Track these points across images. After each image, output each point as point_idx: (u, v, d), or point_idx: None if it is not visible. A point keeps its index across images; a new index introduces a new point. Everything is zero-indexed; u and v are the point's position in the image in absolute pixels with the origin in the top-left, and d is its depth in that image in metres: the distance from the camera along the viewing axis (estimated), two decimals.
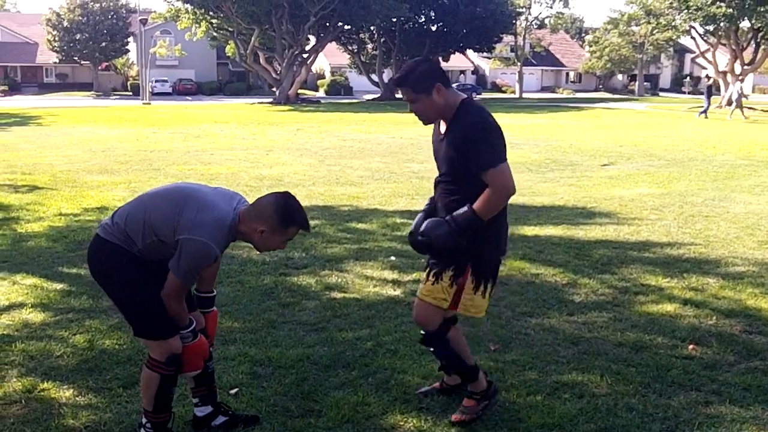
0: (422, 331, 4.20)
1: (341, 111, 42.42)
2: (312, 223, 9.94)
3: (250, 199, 3.89)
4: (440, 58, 63.18)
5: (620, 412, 4.33)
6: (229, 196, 3.81)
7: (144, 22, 60.22)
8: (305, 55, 57.24)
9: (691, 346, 5.37)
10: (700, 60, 72.17)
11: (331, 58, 79.10)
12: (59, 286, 6.88)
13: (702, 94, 53.09)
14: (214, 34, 57.40)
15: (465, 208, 3.86)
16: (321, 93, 75.20)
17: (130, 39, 73.19)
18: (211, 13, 52.73)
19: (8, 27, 78.08)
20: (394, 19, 56.92)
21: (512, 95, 75.07)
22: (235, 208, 3.71)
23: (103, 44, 70.58)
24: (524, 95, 72.92)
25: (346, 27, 58.13)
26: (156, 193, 3.88)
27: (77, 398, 4.50)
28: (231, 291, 6.61)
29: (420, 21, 63.65)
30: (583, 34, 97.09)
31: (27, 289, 6.77)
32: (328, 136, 24.36)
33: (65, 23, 69.32)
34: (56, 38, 69.78)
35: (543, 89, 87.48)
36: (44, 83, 75.88)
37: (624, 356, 5.20)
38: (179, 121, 31.78)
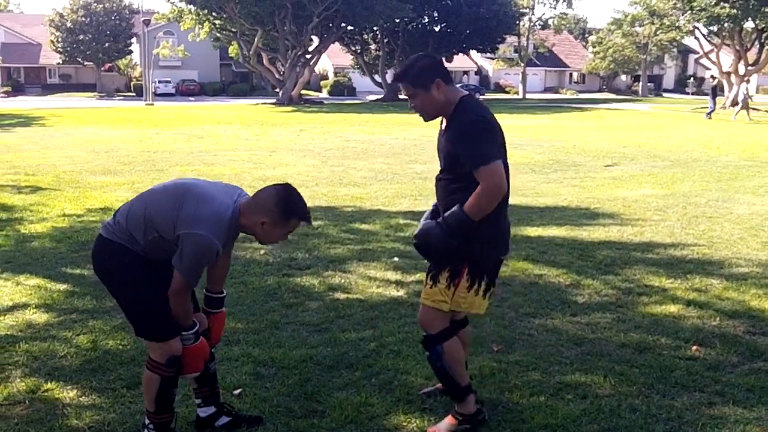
0: (423, 333, 4.18)
1: (344, 112, 42.43)
2: (315, 223, 10.02)
3: None
4: (443, 59, 63.14)
5: (623, 413, 4.33)
6: (229, 189, 3.81)
7: (147, 22, 60.30)
8: (308, 56, 57.25)
9: (694, 347, 5.36)
10: (703, 61, 72.14)
11: (334, 59, 79.12)
12: (63, 286, 6.89)
13: (707, 95, 53.14)
14: (217, 34, 57.38)
15: (456, 208, 3.83)
16: (324, 94, 75.22)
17: (133, 40, 73.25)
18: (214, 13, 52.75)
19: (11, 28, 78.19)
20: (398, 20, 56.96)
21: (515, 96, 75.04)
22: (236, 201, 3.70)
23: (106, 45, 70.66)
24: (527, 96, 72.87)
25: (350, 28, 58.10)
26: (156, 189, 3.88)
27: (81, 398, 4.51)
28: (234, 292, 6.61)
29: (423, 22, 63.60)
30: (587, 35, 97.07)
31: (31, 289, 6.78)
32: (331, 137, 24.36)
33: (68, 24, 69.41)
34: (59, 39, 69.88)
35: (546, 90, 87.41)
36: (47, 84, 75.98)
37: (627, 357, 5.20)
38: (182, 122, 31.80)
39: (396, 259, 7.88)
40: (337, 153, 19.41)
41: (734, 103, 47.32)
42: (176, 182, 3.93)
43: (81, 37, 69.31)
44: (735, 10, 45.20)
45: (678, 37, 69.74)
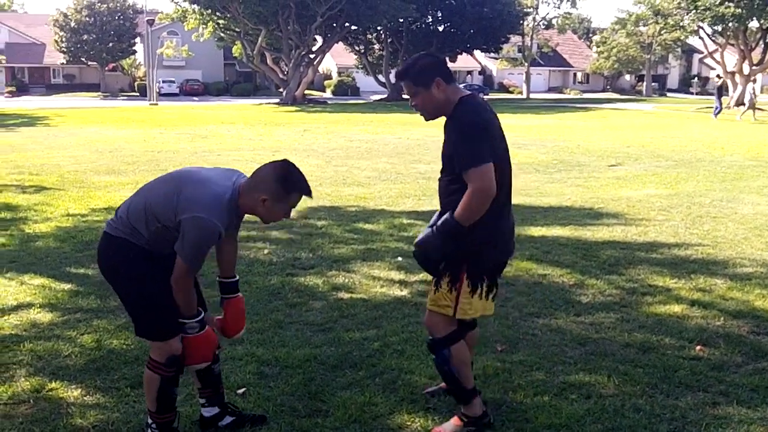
0: (430, 337, 4.16)
1: (348, 112, 42.44)
2: (319, 223, 10.04)
3: None
4: (447, 58, 63.17)
5: (627, 413, 4.33)
6: (227, 172, 3.80)
7: (151, 22, 60.31)
8: (312, 56, 57.29)
9: (698, 347, 5.36)
10: (708, 60, 72.02)
11: (338, 59, 79.15)
12: (67, 286, 6.90)
13: (711, 94, 53.02)
14: (221, 34, 57.47)
15: (447, 216, 3.81)
16: (328, 93, 75.27)
17: (137, 40, 73.39)
18: (218, 13, 52.80)
19: (16, 28, 78.34)
20: (401, 20, 56.95)
21: (519, 96, 75.02)
22: (234, 182, 3.69)
23: (110, 45, 70.76)
24: (531, 96, 72.85)
25: (353, 27, 58.10)
26: (154, 180, 3.89)
27: (85, 398, 4.52)
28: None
29: (427, 21, 63.64)
30: (591, 35, 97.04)
31: (35, 289, 6.79)
32: (335, 137, 24.37)
33: (72, 24, 69.52)
34: (63, 39, 69.99)
35: (550, 90, 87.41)
36: (51, 84, 76.11)
37: (631, 357, 5.19)
38: (186, 122, 31.83)
39: (399, 258, 7.88)
40: (341, 153, 19.41)
41: (738, 103, 47.33)
42: (174, 171, 3.94)
43: (85, 37, 69.42)
44: (740, 10, 45.17)
45: (682, 37, 69.68)
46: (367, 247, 8.53)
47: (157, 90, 60.04)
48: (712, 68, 77.95)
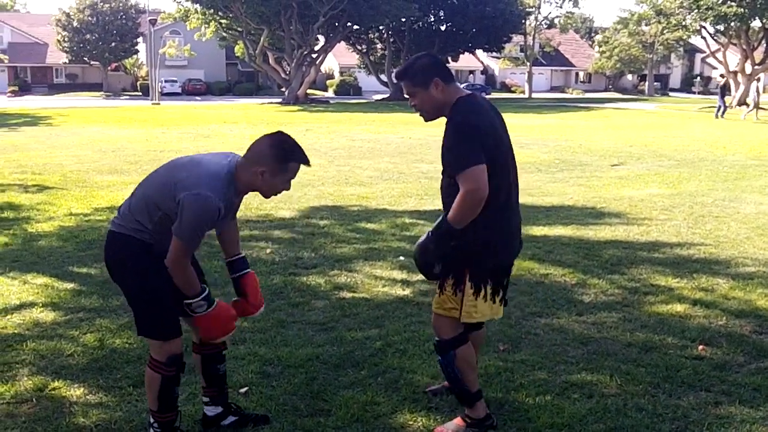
0: (436, 338, 4.14)
1: (350, 111, 42.44)
2: (321, 223, 10.05)
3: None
4: (449, 58, 63.12)
5: (630, 413, 4.33)
6: (222, 153, 3.80)
7: (153, 22, 60.38)
8: (314, 55, 57.27)
9: (700, 347, 5.36)
10: (710, 60, 72.02)
11: (340, 58, 79.16)
12: (70, 285, 6.91)
13: (713, 94, 52.93)
14: (224, 34, 57.49)
15: (441, 220, 3.82)
16: (330, 93, 75.26)
17: (140, 39, 73.36)
18: (220, 13, 52.80)
19: (18, 27, 78.37)
20: (404, 19, 56.92)
21: (521, 95, 74.99)
22: (230, 161, 3.69)
23: (113, 44, 70.77)
24: (533, 95, 72.82)
25: (355, 27, 58.14)
26: (152, 172, 3.90)
27: (88, 397, 4.52)
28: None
29: (429, 21, 63.64)
30: (593, 34, 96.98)
31: (38, 288, 6.80)
32: (337, 137, 24.37)
33: (75, 24, 69.54)
34: (66, 39, 70.00)
35: (552, 89, 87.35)
36: (54, 83, 76.13)
37: (633, 356, 5.19)
38: (188, 122, 31.85)
39: (402, 258, 7.89)
40: (343, 152, 19.42)
41: (741, 103, 47.29)
42: (169, 161, 3.94)
43: (87, 36, 69.44)
44: (742, 9, 45.15)
45: (684, 36, 69.66)
46: (369, 247, 8.53)
47: (160, 89, 60.04)
48: (715, 68, 78.00)
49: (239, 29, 54.64)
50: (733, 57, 54.66)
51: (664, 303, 6.43)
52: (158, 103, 53.09)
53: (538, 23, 75.11)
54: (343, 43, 64.27)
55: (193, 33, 58.53)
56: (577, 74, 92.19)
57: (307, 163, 3.74)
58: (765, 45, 52.02)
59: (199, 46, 65.61)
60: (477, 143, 3.70)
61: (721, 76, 50.39)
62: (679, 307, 6.29)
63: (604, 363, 5.06)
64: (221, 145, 21.03)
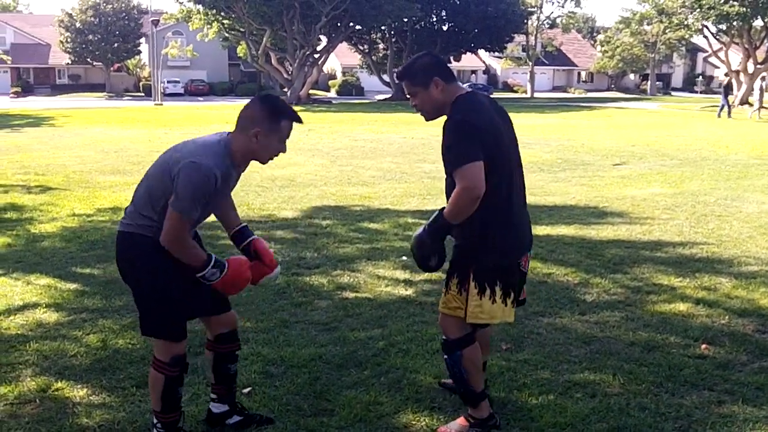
0: (443, 338, 4.12)
1: (353, 111, 42.44)
2: (324, 223, 10.06)
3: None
4: (451, 58, 63.08)
5: (633, 412, 4.33)
6: (215, 133, 3.81)
7: (156, 23, 60.37)
8: (316, 56, 57.30)
9: (703, 346, 5.36)
10: (712, 59, 71.91)
11: (342, 59, 79.15)
12: (73, 286, 6.92)
13: (715, 93, 52.84)
14: (226, 34, 57.49)
15: (437, 214, 3.83)
16: (332, 93, 75.26)
17: (142, 40, 73.41)
18: (222, 13, 52.84)
19: (21, 28, 78.43)
20: (406, 19, 56.93)
21: (524, 95, 74.96)
22: (222, 134, 3.71)
23: (115, 45, 70.84)
24: (536, 95, 72.79)
25: (358, 27, 58.12)
26: (149, 167, 3.88)
27: (91, 397, 4.53)
28: (243, 291, 6.59)
29: (431, 21, 63.58)
30: (595, 34, 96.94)
31: (41, 289, 6.81)
32: (340, 137, 24.39)
33: (77, 24, 69.60)
34: (68, 39, 70.07)
35: (554, 89, 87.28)
36: (57, 84, 76.19)
37: (636, 356, 5.19)
38: (191, 122, 31.86)
39: (404, 258, 7.88)
40: (346, 152, 19.43)
41: (743, 102, 47.23)
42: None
43: (90, 37, 69.50)
44: (744, 8, 45.11)
45: (687, 36, 69.62)
46: (371, 247, 8.53)
47: (162, 90, 60.10)
48: (717, 67, 77.93)
49: (242, 30, 54.65)
50: (735, 56, 54.62)
51: (667, 302, 6.43)
52: (161, 104, 53.10)
53: (540, 23, 75.04)
54: (345, 43, 64.28)
55: (196, 33, 58.49)
56: (579, 74, 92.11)
57: (299, 119, 3.76)
58: (767, 44, 51.94)
59: (201, 46, 65.62)
60: (475, 141, 3.69)
61: (726, 74, 50.37)
62: (681, 307, 6.29)
63: (607, 362, 5.06)
64: None
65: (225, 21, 54.48)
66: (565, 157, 18.20)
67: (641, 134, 25.65)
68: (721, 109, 36.58)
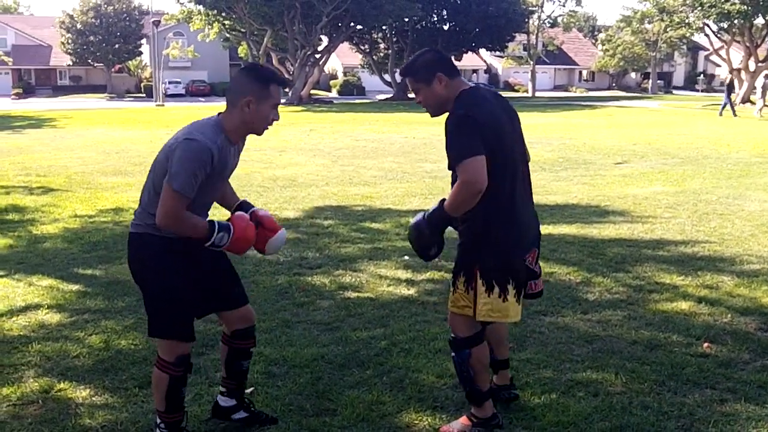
0: (452, 335, 4.10)
1: (354, 111, 42.44)
2: (325, 223, 10.07)
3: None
4: (452, 57, 63.01)
5: (635, 410, 4.33)
6: (207, 117, 3.82)
7: (157, 23, 60.40)
8: (318, 56, 57.28)
9: (705, 344, 5.36)
10: (713, 57, 71.86)
11: (343, 59, 79.13)
12: (75, 287, 6.93)
13: (717, 91, 52.76)
14: (227, 35, 57.52)
15: (437, 204, 3.84)
16: (334, 93, 75.23)
17: (143, 41, 73.41)
18: (223, 14, 52.86)
19: (22, 30, 78.45)
20: (407, 19, 56.93)
21: (525, 94, 74.88)
22: (213, 116, 3.74)
23: (116, 46, 70.86)
24: (537, 94, 72.72)
25: (359, 27, 58.08)
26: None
27: (93, 398, 4.53)
28: (246, 291, 6.62)
29: (432, 20, 63.56)
30: (596, 33, 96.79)
31: (43, 290, 6.82)
32: (341, 137, 24.38)
33: (78, 25, 69.62)
34: (69, 41, 70.10)
35: (556, 88, 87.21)
36: (58, 85, 76.22)
37: (638, 354, 5.19)
38: None
39: (406, 257, 7.88)
40: (347, 152, 19.42)
41: (744, 100, 47.17)
42: None
43: (91, 38, 69.52)
44: (745, 6, 45.04)
45: (688, 34, 69.50)
46: (373, 246, 8.54)
47: (164, 91, 60.09)
48: (718, 65, 77.85)
49: (242, 30, 54.68)
50: (737, 54, 54.56)
51: (669, 301, 6.42)
52: (162, 105, 53.13)
53: (541, 22, 74.93)
54: (346, 43, 64.28)
55: (197, 34, 58.51)
56: (580, 73, 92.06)
57: (285, 84, 3.80)
58: None
59: (202, 47, 65.64)
60: (476, 135, 3.68)
61: (730, 72, 50.29)
62: (683, 305, 6.29)
63: (609, 361, 5.06)
64: None
65: (226, 21, 54.51)
66: (567, 156, 18.20)
67: (643, 133, 25.62)
68: (723, 107, 36.48)
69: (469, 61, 77.89)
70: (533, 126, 28.50)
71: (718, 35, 54.53)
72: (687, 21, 56.04)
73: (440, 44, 60.46)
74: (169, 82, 69.41)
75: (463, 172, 3.65)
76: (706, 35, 56.22)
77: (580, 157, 18.02)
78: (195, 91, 71.77)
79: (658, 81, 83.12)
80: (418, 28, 62.20)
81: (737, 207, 11.03)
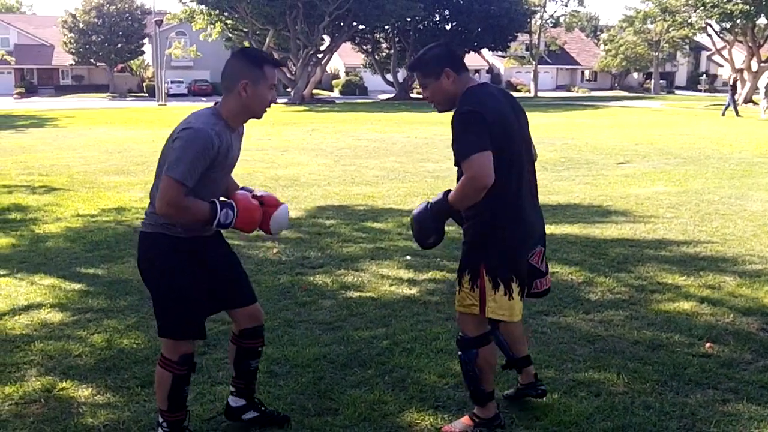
0: (460, 334, 4.07)
1: (356, 111, 42.44)
2: (327, 222, 10.08)
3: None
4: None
5: (637, 410, 4.33)
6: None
7: (159, 23, 60.41)
8: (320, 55, 57.31)
9: (707, 345, 5.35)
10: (716, 57, 71.77)
11: (345, 58, 79.15)
12: (77, 286, 6.93)
13: (719, 91, 52.67)
14: (229, 34, 57.51)
15: (441, 195, 3.84)
16: (336, 93, 75.24)
17: (146, 40, 73.49)
18: (225, 13, 52.90)
19: (24, 29, 78.51)
20: (409, 19, 56.93)
21: (527, 94, 74.82)
22: (210, 106, 3.72)
23: (119, 46, 70.85)
24: (539, 94, 72.72)
25: (361, 27, 58.07)
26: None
27: (96, 397, 4.54)
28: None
29: (434, 20, 63.59)
30: (599, 33, 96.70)
31: (45, 289, 6.82)
32: (343, 136, 24.38)
33: (81, 25, 69.63)
34: (72, 40, 70.11)
35: (558, 88, 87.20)
36: (60, 85, 76.26)
37: (640, 354, 5.19)
38: None
39: (408, 257, 7.89)
40: (349, 152, 19.43)
41: (747, 100, 47.14)
42: None
43: (93, 38, 69.52)
44: (747, 6, 45.01)
45: (690, 34, 69.46)
46: (375, 246, 8.54)
47: (166, 90, 60.09)
48: (720, 65, 77.75)
49: (245, 30, 54.70)
50: (739, 54, 54.52)
51: (671, 301, 6.42)
52: (164, 104, 53.13)
53: (543, 22, 74.94)
54: (348, 43, 64.30)
55: (199, 34, 58.53)
56: (582, 73, 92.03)
57: (279, 64, 3.83)
58: None
59: (204, 46, 65.65)
60: (484, 131, 3.67)
61: (733, 72, 50.22)
62: (686, 305, 6.28)
63: (611, 361, 5.06)
64: None
65: (228, 21, 54.53)
66: (569, 156, 18.19)
67: (645, 133, 25.61)
68: (726, 107, 36.47)
69: (471, 60, 77.76)
70: (536, 126, 28.37)
71: (721, 35, 54.53)
72: (689, 21, 56.03)
73: None
74: (172, 82, 69.45)
75: (468, 168, 3.63)
76: (709, 35, 56.24)
77: (582, 157, 18.01)
78: (197, 91, 71.74)
79: (661, 81, 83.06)
80: (420, 28, 62.20)
81: (739, 207, 11.03)
